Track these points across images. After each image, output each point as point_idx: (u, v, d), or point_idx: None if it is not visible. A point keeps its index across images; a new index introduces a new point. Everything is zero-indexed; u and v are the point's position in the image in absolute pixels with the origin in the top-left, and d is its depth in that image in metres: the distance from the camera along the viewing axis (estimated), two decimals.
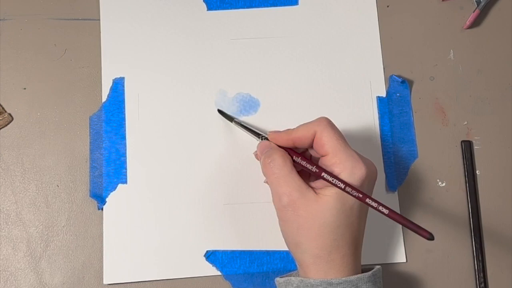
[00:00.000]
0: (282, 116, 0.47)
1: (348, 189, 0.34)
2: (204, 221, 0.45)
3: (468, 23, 0.49)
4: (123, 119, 0.47)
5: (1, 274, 0.44)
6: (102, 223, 0.45)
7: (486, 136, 0.48)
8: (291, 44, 0.49)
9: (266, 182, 0.39)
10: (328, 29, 0.49)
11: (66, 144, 0.47)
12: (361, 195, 0.34)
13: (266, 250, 0.45)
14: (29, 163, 0.46)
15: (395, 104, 0.48)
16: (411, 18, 0.50)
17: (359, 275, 0.35)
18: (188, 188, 0.46)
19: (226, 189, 0.46)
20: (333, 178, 0.35)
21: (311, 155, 0.40)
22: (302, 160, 0.37)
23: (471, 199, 0.46)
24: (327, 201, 0.35)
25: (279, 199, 0.36)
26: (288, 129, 0.39)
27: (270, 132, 0.40)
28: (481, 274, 0.45)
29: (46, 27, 0.49)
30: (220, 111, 0.47)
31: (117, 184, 0.46)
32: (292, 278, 0.37)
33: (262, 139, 0.41)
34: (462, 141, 0.47)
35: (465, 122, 0.48)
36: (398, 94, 0.48)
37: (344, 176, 0.35)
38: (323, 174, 0.35)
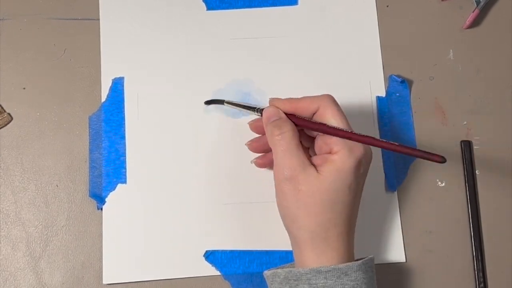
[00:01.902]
0: None
1: (355, 137, 0.36)
2: (204, 221, 0.45)
3: (467, 23, 0.49)
4: (123, 119, 0.47)
5: (0, 274, 0.44)
6: (101, 223, 0.45)
7: (486, 136, 0.48)
8: (291, 44, 0.49)
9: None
10: (327, 29, 0.49)
11: (65, 144, 0.47)
12: (368, 139, 0.36)
13: (266, 250, 0.45)
14: (28, 163, 0.46)
15: (394, 104, 0.48)
16: (411, 18, 0.50)
17: (348, 264, 0.35)
18: (187, 188, 0.46)
19: (226, 188, 0.46)
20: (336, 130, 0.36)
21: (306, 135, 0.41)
22: (306, 120, 0.38)
23: (470, 199, 0.46)
24: (327, 178, 0.35)
25: (282, 172, 0.36)
26: (291, 98, 0.39)
27: (271, 98, 0.40)
28: (481, 274, 0.45)
29: (46, 27, 0.49)
30: (208, 102, 0.47)
31: (117, 184, 0.46)
32: (279, 270, 0.37)
33: (258, 112, 0.41)
34: (462, 141, 0.47)
35: (465, 122, 0.48)
36: (397, 94, 0.48)
37: (343, 153, 0.36)
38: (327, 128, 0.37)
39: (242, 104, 0.44)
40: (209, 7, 0.49)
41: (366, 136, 0.36)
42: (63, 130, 0.47)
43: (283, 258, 0.45)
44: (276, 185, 0.37)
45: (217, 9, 0.49)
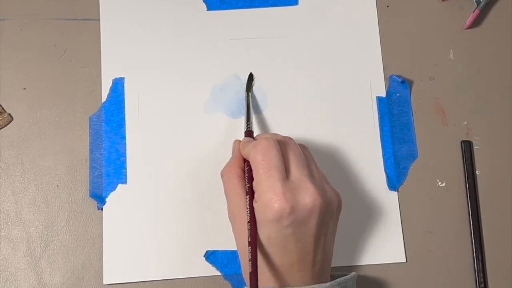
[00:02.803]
0: (282, 116, 0.47)
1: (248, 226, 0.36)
2: (204, 221, 0.45)
3: (468, 23, 0.49)
4: (123, 119, 0.47)
5: (0, 274, 0.44)
6: (101, 223, 0.45)
7: (486, 136, 0.48)
8: (291, 44, 0.49)
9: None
10: (328, 29, 0.49)
11: (65, 144, 0.47)
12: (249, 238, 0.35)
13: None
14: (29, 163, 0.46)
15: (395, 104, 0.48)
16: (411, 18, 0.50)
17: (318, 284, 0.35)
18: (188, 188, 0.46)
19: None
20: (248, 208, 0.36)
21: None
22: (247, 177, 0.38)
23: (471, 199, 0.46)
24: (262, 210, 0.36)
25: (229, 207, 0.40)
26: (249, 139, 0.41)
27: (242, 138, 0.42)
28: (481, 274, 0.45)
29: (46, 27, 0.49)
30: (250, 77, 0.48)
31: (117, 184, 0.46)
32: None
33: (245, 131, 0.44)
34: (462, 141, 0.47)
35: (465, 122, 0.48)
36: (398, 94, 0.48)
37: (258, 205, 0.35)
38: (246, 198, 0.37)
39: (248, 109, 0.45)
40: (210, 8, 0.49)
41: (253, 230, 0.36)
42: (64, 130, 0.47)
43: None
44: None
45: (218, 9, 0.49)
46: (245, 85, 0.47)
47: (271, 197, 0.34)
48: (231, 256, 0.45)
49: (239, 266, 0.44)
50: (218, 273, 0.44)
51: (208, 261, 0.44)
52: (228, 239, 0.45)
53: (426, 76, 0.49)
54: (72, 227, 0.45)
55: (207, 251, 0.44)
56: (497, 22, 0.50)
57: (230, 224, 0.45)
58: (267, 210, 0.34)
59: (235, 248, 0.43)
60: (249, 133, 0.43)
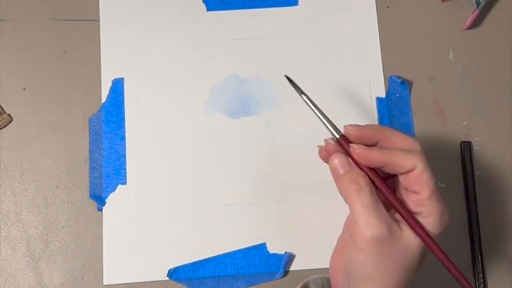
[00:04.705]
0: (281, 117, 0.47)
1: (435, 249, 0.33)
2: (204, 221, 0.45)
3: (467, 23, 0.49)
4: (123, 119, 0.47)
5: (0, 274, 0.44)
6: (101, 224, 0.45)
7: (486, 136, 0.48)
8: (291, 45, 0.49)
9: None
10: (327, 29, 0.49)
11: (65, 145, 0.47)
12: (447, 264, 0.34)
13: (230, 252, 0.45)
14: (28, 164, 0.46)
15: (394, 105, 0.48)
16: (411, 19, 0.50)
17: None
18: (187, 189, 0.46)
19: (226, 189, 0.46)
20: (425, 235, 0.33)
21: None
22: (396, 201, 0.33)
23: (470, 199, 0.46)
24: (413, 243, 0.33)
25: (364, 231, 0.32)
26: (380, 147, 0.34)
27: (355, 146, 0.34)
28: (481, 275, 0.45)
29: (46, 27, 0.49)
30: (289, 79, 0.38)
31: (117, 185, 0.46)
32: None
33: (335, 135, 0.35)
34: (462, 142, 0.47)
35: (465, 123, 0.48)
36: (397, 95, 0.48)
37: (432, 220, 0.33)
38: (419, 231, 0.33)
39: (319, 110, 0.36)
40: (209, 8, 0.49)
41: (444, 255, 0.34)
42: (63, 131, 0.47)
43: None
44: (353, 241, 0.33)
45: (217, 9, 0.49)
46: (295, 89, 0.38)
47: (444, 210, 0.33)
48: (193, 267, 0.44)
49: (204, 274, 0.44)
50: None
51: (172, 279, 0.44)
52: (228, 239, 0.45)
53: (426, 77, 0.49)
54: (72, 227, 0.45)
55: (169, 270, 0.44)
56: (496, 22, 0.50)
57: (230, 224, 0.45)
58: (442, 224, 0.33)
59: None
60: (345, 138, 0.35)
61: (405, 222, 0.33)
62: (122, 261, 0.44)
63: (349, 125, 0.34)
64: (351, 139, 0.34)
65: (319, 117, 0.36)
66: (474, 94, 0.49)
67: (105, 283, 0.44)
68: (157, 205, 0.45)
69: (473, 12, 0.49)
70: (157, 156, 0.46)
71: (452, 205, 0.46)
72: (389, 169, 0.33)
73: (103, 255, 0.44)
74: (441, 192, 0.46)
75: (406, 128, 0.48)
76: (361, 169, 0.33)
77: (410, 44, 0.49)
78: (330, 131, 0.35)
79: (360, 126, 0.34)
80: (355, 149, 0.33)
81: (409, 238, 0.33)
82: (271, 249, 0.45)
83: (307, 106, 0.49)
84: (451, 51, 0.49)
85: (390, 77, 0.48)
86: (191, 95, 0.48)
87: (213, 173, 0.46)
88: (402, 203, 0.33)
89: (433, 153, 0.47)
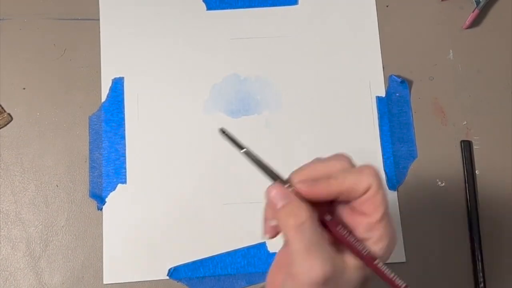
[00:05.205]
0: (281, 116, 0.47)
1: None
2: (204, 220, 0.45)
3: (467, 23, 0.49)
4: (123, 119, 0.47)
5: (0, 273, 0.44)
6: (101, 223, 0.45)
7: (486, 136, 0.48)
8: (291, 44, 0.49)
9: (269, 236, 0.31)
10: (327, 29, 0.49)
11: (65, 144, 0.47)
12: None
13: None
14: (28, 163, 0.46)
15: (394, 104, 0.48)
16: (411, 18, 0.50)
17: None
18: (187, 188, 0.46)
19: (226, 188, 0.46)
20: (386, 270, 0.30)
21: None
22: (349, 235, 0.29)
23: (470, 198, 0.46)
24: (356, 275, 0.29)
25: (304, 274, 0.28)
26: (321, 170, 0.30)
27: (299, 181, 0.29)
28: (481, 274, 0.45)
29: (46, 27, 0.49)
30: (223, 132, 0.34)
31: (117, 184, 0.46)
32: None
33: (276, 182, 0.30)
34: (462, 141, 0.47)
35: (465, 122, 0.48)
36: (397, 94, 0.48)
37: (382, 246, 0.29)
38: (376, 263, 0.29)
39: (260, 162, 0.32)
40: (209, 7, 0.49)
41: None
42: (63, 130, 0.47)
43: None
44: (292, 282, 0.29)
45: (217, 9, 0.49)
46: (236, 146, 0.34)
47: (393, 235, 0.30)
48: (193, 267, 0.44)
49: (204, 273, 0.44)
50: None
51: (172, 279, 0.44)
52: (228, 239, 0.45)
53: (426, 76, 0.49)
54: (72, 227, 0.45)
55: (170, 269, 0.44)
56: (496, 22, 0.50)
57: (229, 224, 0.45)
58: (390, 250, 0.30)
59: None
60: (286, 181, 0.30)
61: (348, 251, 0.29)
62: (122, 260, 0.44)
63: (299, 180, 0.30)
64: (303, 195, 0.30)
65: (264, 169, 0.32)
66: (474, 94, 0.49)
67: (105, 282, 0.44)
68: (157, 204, 0.45)
69: (472, 12, 0.49)
70: (157, 155, 0.46)
71: (452, 204, 0.46)
72: (344, 198, 0.29)
73: (103, 254, 0.44)
74: (441, 191, 0.47)
75: (405, 128, 0.48)
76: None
77: (410, 43, 0.49)
78: (278, 179, 0.31)
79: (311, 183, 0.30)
80: (300, 187, 0.29)
81: (351, 268, 0.29)
82: (271, 248, 0.45)
83: (307, 107, 0.49)
84: (451, 51, 0.49)
85: (390, 76, 0.48)
86: (191, 94, 0.48)
87: (213, 173, 0.46)
88: (348, 234, 0.29)
89: (433, 152, 0.47)
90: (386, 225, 0.30)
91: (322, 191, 0.29)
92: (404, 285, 0.30)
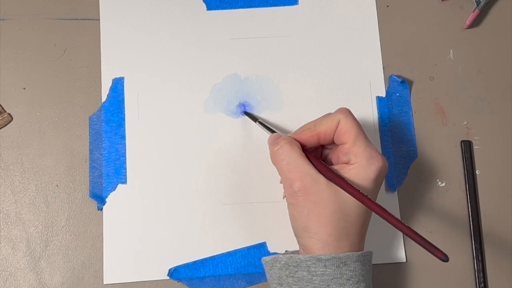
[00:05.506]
0: (281, 116, 0.47)
1: (365, 200, 0.34)
2: (204, 221, 0.45)
3: (467, 23, 0.49)
4: (123, 119, 0.47)
5: (0, 274, 0.44)
6: (101, 223, 0.45)
7: (486, 136, 0.48)
8: (291, 44, 0.49)
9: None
10: (327, 29, 0.49)
11: (65, 144, 0.47)
12: (379, 209, 0.34)
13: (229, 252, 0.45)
14: (28, 163, 0.46)
15: (394, 104, 0.48)
16: (411, 18, 0.50)
17: (348, 253, 0.35)
18: (187, 188, 0.46)
19: (226, 188, 0.46)
20: (352, 189, 0.35)
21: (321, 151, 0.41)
22: (320, 164, 0.36)
23: (470, 199, 0.46)
24: (338, 188, 0.35)
25: (290, 185, 0.36)
26: (308, 125, 0.38)
27: (291, 134, 0.39)
28: (481, 274, 0.45)
29: (46, 27, 0.49)
30: (246, 113, 0.47)
31: (117, 184, 0.46)
32: (280, 255, 0.37)
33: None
34: (462, 141, 0.47)
35: (465, 122, 0.48)
36: (397, 94, 0.48)
37: (360, 165, 0.36)
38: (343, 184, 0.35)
39: (270, 128, 0.43)
40: (209, 7, 0.49)
41: (378, 206, 0.34)
42: (63, 130, 0.47)
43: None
44: (287, 198, 0.37)
45: (217, 9, 0.49)
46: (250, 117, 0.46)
47: (371, 154, 0.36)
48: (194, 267, 0.44)
49: (205, 274, 0.44)
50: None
51: (172, 279, 0.44)
52: (228, 238, 0.45)
53: (426, 76, 0.49)
54: (72, 227, 0.45)
55: (170, 269, 0.44)
56: (496, 22, 0.50)
57: (229, 224, 0.45)
58: (371, 169, 0.36)
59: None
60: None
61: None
62: (122, 260, 0.44)
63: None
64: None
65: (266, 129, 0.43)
66: (474, 94, 0.49)
67: (105, 282, 0.44)
68: (157, 204, 0.45)
69: (473, 12, 0.49)
70: (157, 155, 0.46)
71: (452, 205, 0.47)
72: (325, 140, 0.38)
73: (103, 255, 0.44)
74: (441, 191, 0.47)
75: (406, 128, 0.48)
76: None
77: (410, 43, 0.49)
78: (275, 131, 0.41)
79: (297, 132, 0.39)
80: (291, 135, 0.38)
81: (324, 184, 0.35)
82: (271, 248, 0.45)
83: (307, 107, 0.49)
84: (451, 51, 0.49)
85: (390, 76, 0.48)
86: (191, 94, 0.48)
87: (213, 173, 0.46)
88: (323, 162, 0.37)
89: (433, 152, 0.47)
90: (359, 147, 0.36)
91: (307, 135, 0.38)
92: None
